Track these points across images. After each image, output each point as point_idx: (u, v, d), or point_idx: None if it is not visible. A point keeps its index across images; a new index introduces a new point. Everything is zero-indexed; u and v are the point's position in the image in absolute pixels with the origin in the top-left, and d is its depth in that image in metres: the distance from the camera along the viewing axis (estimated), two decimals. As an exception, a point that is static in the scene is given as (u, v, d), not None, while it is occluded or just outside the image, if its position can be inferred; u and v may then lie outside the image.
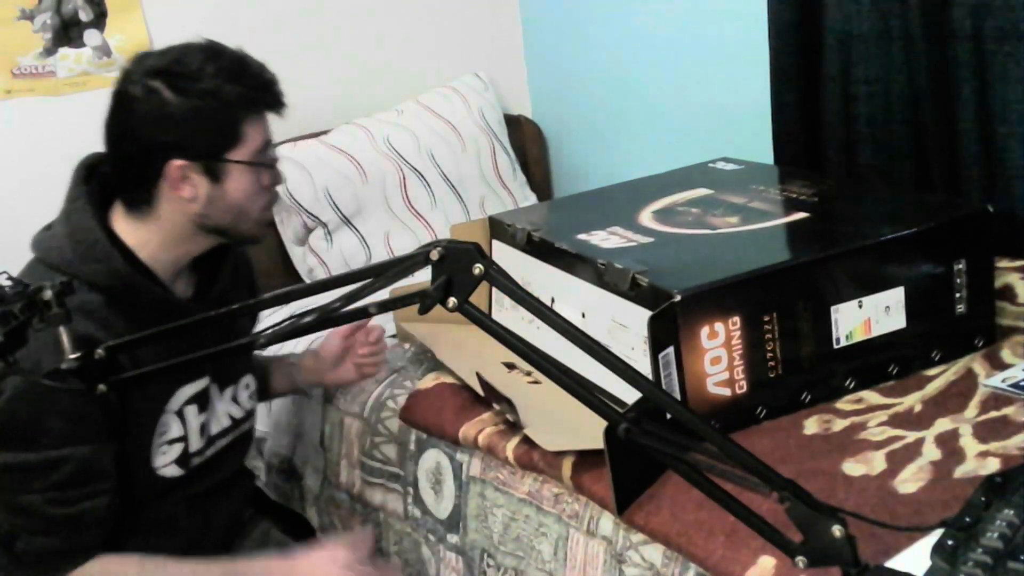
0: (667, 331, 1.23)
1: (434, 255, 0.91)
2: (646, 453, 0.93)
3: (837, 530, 0.85)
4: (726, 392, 1.29)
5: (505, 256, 1.65)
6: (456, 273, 0.91)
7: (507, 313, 1.64)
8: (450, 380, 1.59)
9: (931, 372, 1.38)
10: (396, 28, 2.56)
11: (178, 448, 1.36)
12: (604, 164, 2.59)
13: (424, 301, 0.92)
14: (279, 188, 1.42)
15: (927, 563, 0.90)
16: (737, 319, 1.27)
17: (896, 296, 1.35)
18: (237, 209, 1.33)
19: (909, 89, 1.80)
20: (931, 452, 1.18)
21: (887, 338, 1.36)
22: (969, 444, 1.18)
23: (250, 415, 1.53)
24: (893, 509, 1.07)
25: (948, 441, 1.20)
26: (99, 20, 2.19)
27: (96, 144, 1.33)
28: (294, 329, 0.97)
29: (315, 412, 1.83)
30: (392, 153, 2.35)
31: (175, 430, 1.36)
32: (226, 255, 1.44)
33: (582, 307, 1.45)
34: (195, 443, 1.39)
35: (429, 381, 1.62)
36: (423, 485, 1.57)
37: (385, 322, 1.76)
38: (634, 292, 1.32)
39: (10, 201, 2.05)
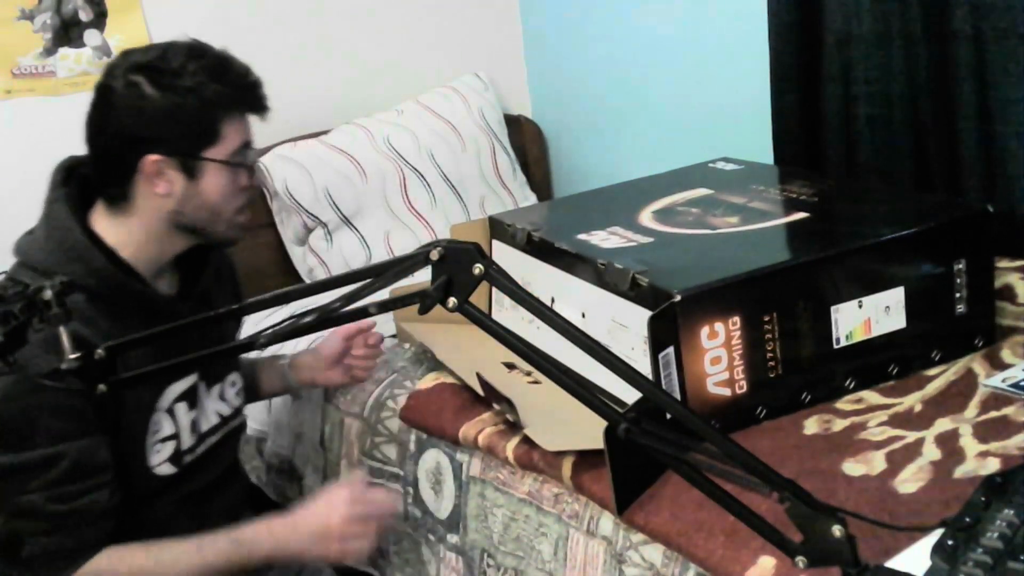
0: (667, 331, 1.23)
1: (434, 255, 0.91)
2: (646, 453, 0.93)
3: (837, 530, 0.85)
4: (726, 392, 1.29)
5: (505, 256, 1.65)
6: (456, 273, 0.91)
7: (507, 313, 1.64)
8: (450, 380, 1.59)
9: (931, 372, 1.38)
10: (396, 28, 2.56)
11: (171, 446, 1.37)
12: (604, 164, 2.59)
13: (424, 301, 0.92)
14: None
15: (927, 563, 0.90)
16: (737, 319, 1.27)
17: (896, 296, 1.35)
18: (211, 208, 1.34)
19: (909, 89, 1.80)
20: (931, 452, 1.18)
21: (887, 338, 1.36)
22: (969, 444, 1.18)
23: (238, 412, 1.53)
24: (893, 509, 1.07)
25: (948, 441, 1.19)
26: (99, 20, 2.19)
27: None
28: (294, 329, 0.97)
29: (315, 412, 1.83)
30: (392, 153, 2.35)
31: (167, 428, 1.36)
32: (208, 255, 1.45)
33: (582, 307, 1.45)
34: (187, 440, 1.39)
35: (429, 381, 1.62)
36: (423, 485, 1.57)
37: (385, 322, 1.76)
38: (634, 292, 1.32)
39: (10, 201, 2.05)
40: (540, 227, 1.60)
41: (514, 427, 1.39)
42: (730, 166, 1.85)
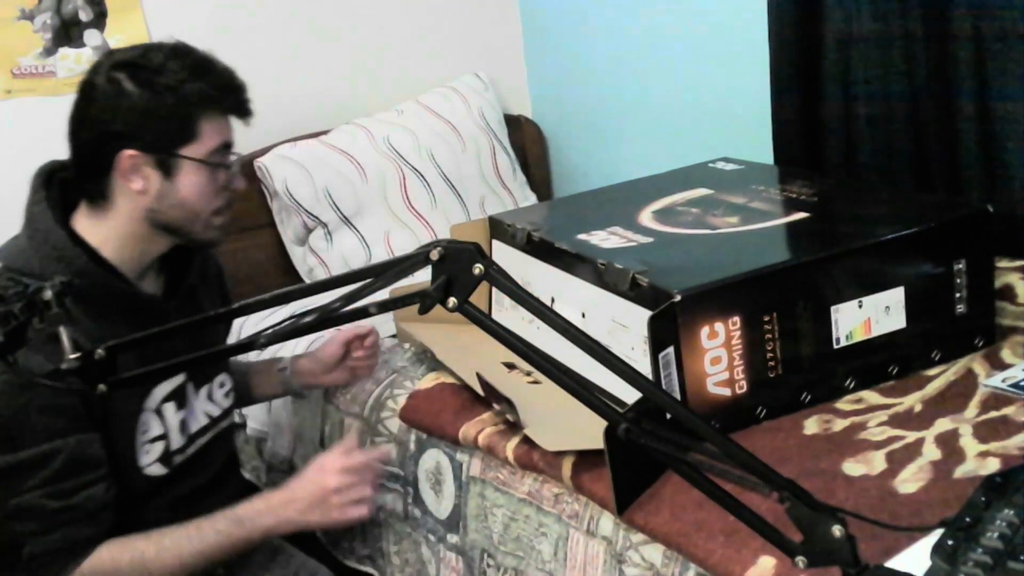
0: (667, 331, 1.23)
1: (434, 255, 0.91)
2: (646, 453, 0.93)
3: (837, 530, 0.85)
4: (726, 392, 1.29)
5: (505, 256, 1.65)
6: (456, 273, 0.91)
7: (507, 313, 1.64)
8: (450, 380, 1.59)
9: (931, 372, 1.38)
10: (396, 28, 2.56)
11: (160, 446, 1.37)
12: (604, 164, 2.59)
13: (424, 301, 0.92)
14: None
15: (927, 563, 0.90)
16: (737, 319, 1.27)
17: (896, 296, 1.35)
18: (188, 207, 1.33)
19: (909, 89, 1.80)
20: (931, 452, 1.18)
21: (887, 338, 1.36)
22: (969, 444, 1.18)
23: (227, 413, 1.53)
24: (893, 509, 1.07)
25: (948, 441, 1.19)
26: (99, 20, 2.19)
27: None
28: (294, 329, 0.97)
29: (315, 412, 1.83)
30: (392, 153, 2.35)
31: (155, 428, 1.36)
32: (193, 255, 1.45)
33: (582, 307, 1.45)
34: (176, 440, 1.40)
35: (429, 381, 1.62)
36: (423, 485, 1.57)
37: (385, 322, 1.76)
38: (634, 292, 1.32)
39: (10, 201, 2.05)
40: (540, 227, 1.60)
41: (514, 427, 1.39)
42: (730, 166, 1.85)
